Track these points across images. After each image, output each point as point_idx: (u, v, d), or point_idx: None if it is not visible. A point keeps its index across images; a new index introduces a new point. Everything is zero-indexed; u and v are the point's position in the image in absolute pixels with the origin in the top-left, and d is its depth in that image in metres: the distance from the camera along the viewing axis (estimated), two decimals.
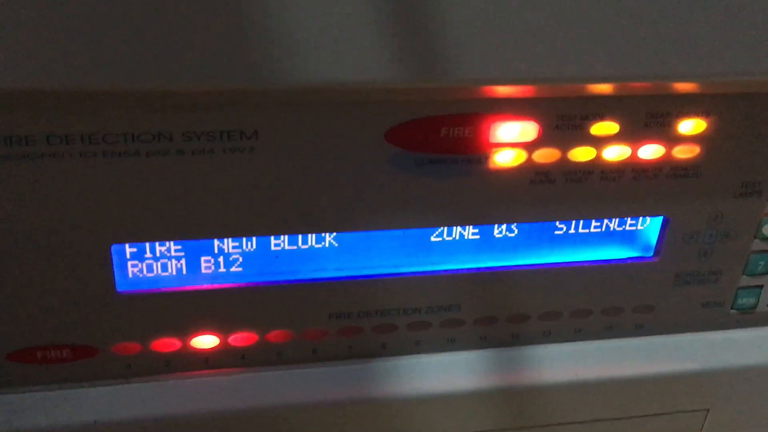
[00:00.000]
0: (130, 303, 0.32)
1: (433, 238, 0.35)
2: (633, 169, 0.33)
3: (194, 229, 0.31)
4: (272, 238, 0.33)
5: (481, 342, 0.37)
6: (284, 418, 0.34)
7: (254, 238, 0.33)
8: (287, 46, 0.26)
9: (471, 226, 0.34)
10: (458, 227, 0.34)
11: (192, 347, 0.34)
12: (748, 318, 0.39)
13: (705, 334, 0.39)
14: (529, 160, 0.32)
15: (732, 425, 0.41)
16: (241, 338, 0.34)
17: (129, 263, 0.32)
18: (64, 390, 0.33)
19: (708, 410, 0.40)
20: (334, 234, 0.33)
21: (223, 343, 0.34)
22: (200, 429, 0.34)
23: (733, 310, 0.39)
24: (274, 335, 0.34)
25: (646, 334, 0.39)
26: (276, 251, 0.33)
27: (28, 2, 0.24)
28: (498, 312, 0.36)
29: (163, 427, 0.33)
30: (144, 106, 0.28)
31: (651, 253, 0.36)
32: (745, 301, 0.39)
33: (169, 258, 0.33)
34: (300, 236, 0.33)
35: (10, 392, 0.33)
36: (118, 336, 0.33)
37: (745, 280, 0.38)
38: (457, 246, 0.35)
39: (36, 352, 0.32)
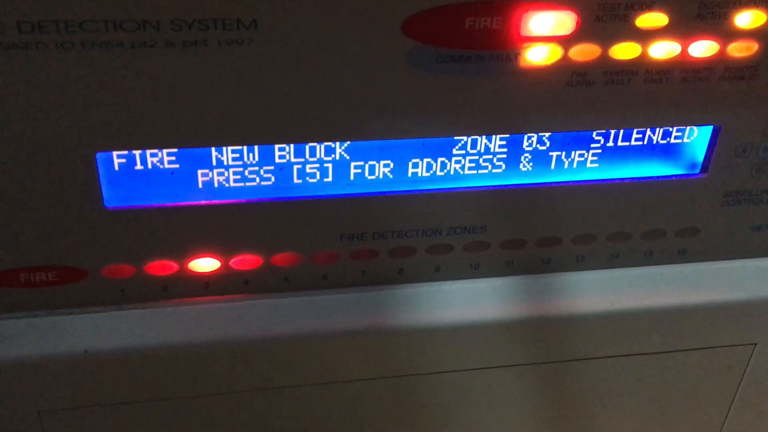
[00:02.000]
0: (120, 220, 0.30)
1: (455, 151, 0.32)
2: (682, 70, 0.31)
3: (188, 135, 0.29)
4: (276, 148, 0.31)
5: (508, 268, 0.35)
6: (291, 349, 0.33)
7: (256, 148, 0.30)
8: None
9: (498, 137, 0.32)
10: (483, 138, 0.32)
11: (190, 270, 0.32)
12: None
13: (755, 260, 0.37)
14: (564, 57, 0.30)
15: None
16: (244, 261, 0.32)
17: (118, 175, 0.30)
18: (51, 317, 0.32)
19: (755, 344, 0.38)
20: (346, 144, 0.31)
21: (225, 267, 0.32)
22: (200, 360, 0.32)
23: None
24: (281, 258, 0.32)
25: (690, 261, 0.37)
26: (281, 164, 0.31)
27: None
28: (527, 234, 0.34)
29: (160, 358, 0.32)
30: None
31: (698, 170, 0.34)
32: None
33: (163, 170, 0.30)
34: (307, 146, 0.30)
35: None
36: (108, 257, 0.31)
37: None
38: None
39: (18, 275, 0.30)
